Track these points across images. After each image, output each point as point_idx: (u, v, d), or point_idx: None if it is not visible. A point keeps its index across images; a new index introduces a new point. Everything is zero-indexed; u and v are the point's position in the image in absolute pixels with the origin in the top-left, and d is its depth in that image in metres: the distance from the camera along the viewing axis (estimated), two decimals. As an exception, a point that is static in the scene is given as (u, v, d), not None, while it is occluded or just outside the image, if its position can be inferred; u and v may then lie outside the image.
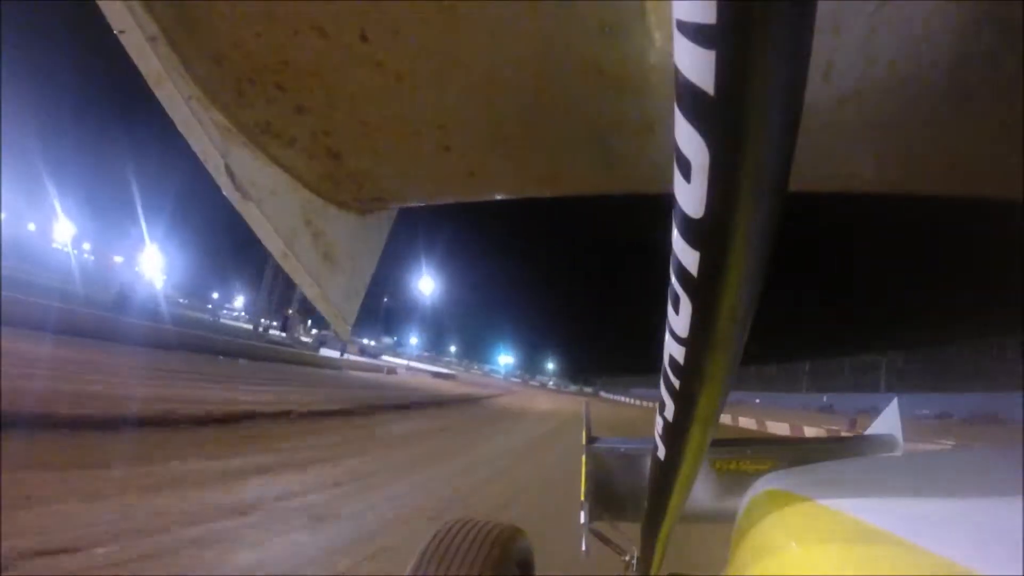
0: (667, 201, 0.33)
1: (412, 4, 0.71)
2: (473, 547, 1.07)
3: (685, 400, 0.45)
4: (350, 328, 1.26)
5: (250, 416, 7.27)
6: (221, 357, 14.22)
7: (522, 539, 1.24)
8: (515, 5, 0.69)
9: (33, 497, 3.15)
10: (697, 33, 0.23)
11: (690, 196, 0.29)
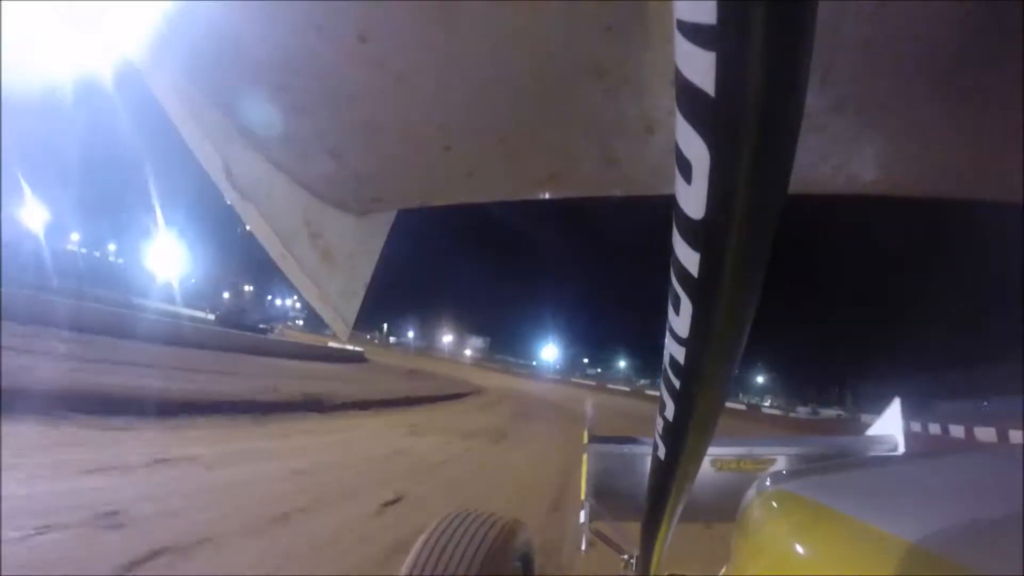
0: (668, 202, 0.33)
1: (412, 4, 0.70)
2: (473, 541, 1.05)
3: (685, 400, 0.45)
4: (349, 329, 1.26)
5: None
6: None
7: (523, 532, 1.21)
8: (515, 5, 0.69)
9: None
10: (697, 33, 0.23)
11: (690, 197, 0.29)
